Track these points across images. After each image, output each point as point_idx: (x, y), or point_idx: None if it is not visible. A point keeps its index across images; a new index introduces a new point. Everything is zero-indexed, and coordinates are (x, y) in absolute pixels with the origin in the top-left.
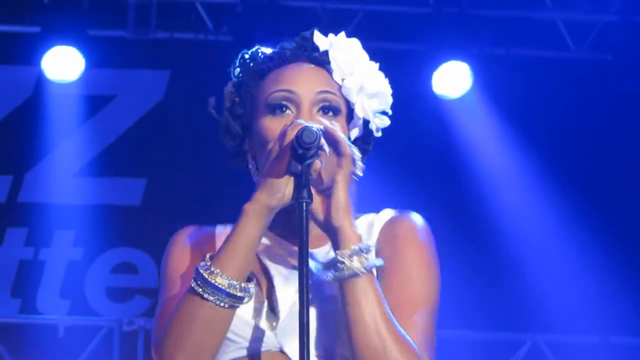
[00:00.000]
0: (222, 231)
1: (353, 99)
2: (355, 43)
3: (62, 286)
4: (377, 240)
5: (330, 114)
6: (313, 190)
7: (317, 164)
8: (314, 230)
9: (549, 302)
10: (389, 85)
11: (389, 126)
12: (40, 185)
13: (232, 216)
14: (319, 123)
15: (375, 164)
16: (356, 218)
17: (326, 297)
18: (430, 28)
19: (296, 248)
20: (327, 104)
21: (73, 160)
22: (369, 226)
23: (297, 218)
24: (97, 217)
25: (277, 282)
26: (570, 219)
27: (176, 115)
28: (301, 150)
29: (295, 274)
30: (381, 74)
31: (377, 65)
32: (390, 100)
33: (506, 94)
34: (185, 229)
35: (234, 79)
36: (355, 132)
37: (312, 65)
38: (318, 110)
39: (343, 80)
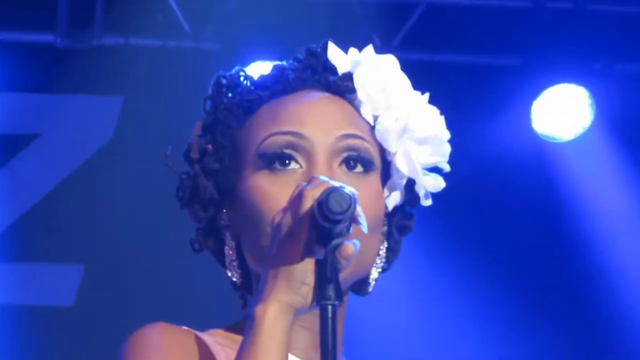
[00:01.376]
0: (217, 346)
1: (392, 146)
2: (391, 62)
3: None
4: None
5: (360, 169)
6: None
7: (349, 247)
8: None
9: None
10: (445, 127)
11: (470, 184)
12: None
13: (211, 321)
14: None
15: (456, 230)
16: None
17: None
18: (530, 32)
19: None
20: (354, 154)
21: None
22: None
23: (309, 324)
24: (10, 324)
25: None
26: None
27: (131, 165)
28: (327, 224)
29: None
30: (434, 110)
31: (426, 96)
32: (447, 149)
33: None
34: (159, 326)
35: (205, 117)
36: (395, 198)
37: (327, 95)
38: (340, 164)
39: (376, 118)
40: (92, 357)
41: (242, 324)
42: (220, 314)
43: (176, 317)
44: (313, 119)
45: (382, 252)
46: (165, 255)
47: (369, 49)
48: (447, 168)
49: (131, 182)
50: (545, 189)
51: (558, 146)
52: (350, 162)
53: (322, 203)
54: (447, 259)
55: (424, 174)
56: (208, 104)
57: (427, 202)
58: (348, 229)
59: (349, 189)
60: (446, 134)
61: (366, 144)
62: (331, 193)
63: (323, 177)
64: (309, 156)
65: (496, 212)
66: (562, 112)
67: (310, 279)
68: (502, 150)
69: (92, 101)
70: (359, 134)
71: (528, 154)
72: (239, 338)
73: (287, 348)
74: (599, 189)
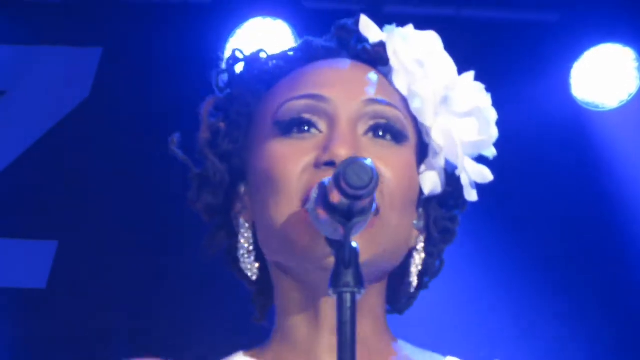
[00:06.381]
0: None
1: (428, 119)
2: (432, 38)
3: None
4: None
5: (389, 138)
6: None
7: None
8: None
9: None
10: (491, 106)
11: (501, 158)
12: None
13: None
14: (367, 151)
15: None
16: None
17: None
18: None
19: None
20: (382, 121)
21: None
22: None
23: (322, 316)
24: None
25: None
26: None
27: (111, 126)
28: (345, 201)
29: None
30: (479, 85)
31: (471, 74)
32: (494, 131)
33: None
34: None
35: (218, 93)
36: (432, 180)
37: (356, 62)
38: (367, 132)
39: (411, 87)
40: (68, 346)
41: (272, 348)
42: (210, 302)
43: (162, 301)
44: (336, 82)
45: (421, 248)
46: (152, 230)
47: (410, 28)
48: (493, 153)
49: (110, 146)
50: (586, 164)
51: (600, 115)
52: (378, 130)
53: (339, 177)
54: (477, 236)
55: (467, 159)
56: (221, 78)
57: (471, 196)
58: (371, 206)
59: (370, 160)
60: (493, 114)
61: (397, 112)
62: (350, 165)
63: (339, 149)
64: (330, 120)
65: (530, 189)
66: (606, 76)
67: (327, 258)
68: (536, 120)
69: (66, 53)
70: (389, 100)
71: (566, 124)
72: None
73: None
74: None
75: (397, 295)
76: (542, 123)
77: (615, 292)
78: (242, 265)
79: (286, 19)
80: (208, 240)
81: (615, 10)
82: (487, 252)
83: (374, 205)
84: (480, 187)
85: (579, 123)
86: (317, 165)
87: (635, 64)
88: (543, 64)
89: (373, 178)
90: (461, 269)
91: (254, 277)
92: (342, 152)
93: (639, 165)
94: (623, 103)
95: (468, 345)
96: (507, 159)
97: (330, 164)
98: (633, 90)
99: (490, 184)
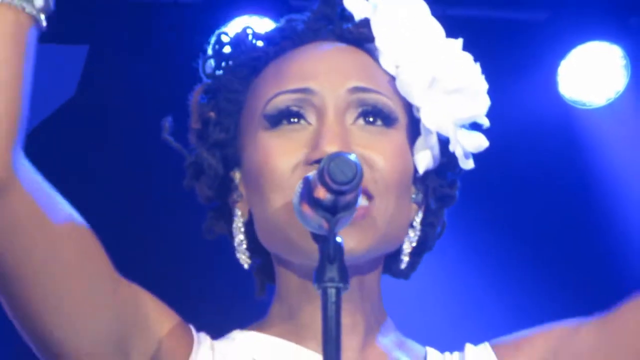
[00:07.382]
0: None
1: (416, 99)
2: (418, 6)
3: None
4: None
5: (380, 123)
6: None
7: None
8: (351, 333)
9: None
10: (481, 76)
11: (488, 155)
12: None
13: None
14: (356, 141)
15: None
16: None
17: None
18: None
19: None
20: (368, 108)
21: None
22: None
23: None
24: None
25: None
26: None
27: (97, 125)
28: (329, 196)
29: None
30: (468, 57)
31: (459, 41)
32: (485, 101)
33: None
34: None
35: (206, 81)
36: (425, 159)
37: (341, 46)
38: (357, 119)
39: (398, 67)
40: None
41: (268, 322)
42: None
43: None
44: (321, 72)
45: (417, 224)
46: (141, 227)
47: None
48: (486, 123)
49: (96, 144)
50: (573, 162)
51: (587, 113)
52: (367, 116)
53: (323, 172)
54: (465, 229)
55: (460, 131)
56: (208, 66)
57: (467, 164)
58: (356, 201)
59: (354, 156)
60: (483, 84)
61: (383, 98)
62: (333, 160)
63: (328, 146)
64: (318, 112)
65: (518, 186)
66: (593, 74)
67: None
68: (524, 118)
69: (52, 50)
70: (373, 87)
71: (553, 122)
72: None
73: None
74: (633, 161)
75: (396, 267)
76: (530, 121)
77: (607, 287)
78: (236, 254)
79: (273, 17)
80: (207, 226)
81: (602, 8)
82: (473, 247)
83: (359, 200)
84: (468, 184)
85: (566, 121)
86: (308, 162)
87: (623, 62)
88: (530, 62)
89: (357, 173)
90: (448, 265)
91: (246, 266)
92: (331, 150)
93: (626, 162)
94: (610, 101)
95: (460, 339)
96: (494, 156)
97: (320, 161)
98: (620, 88)
99: (478, 181)
